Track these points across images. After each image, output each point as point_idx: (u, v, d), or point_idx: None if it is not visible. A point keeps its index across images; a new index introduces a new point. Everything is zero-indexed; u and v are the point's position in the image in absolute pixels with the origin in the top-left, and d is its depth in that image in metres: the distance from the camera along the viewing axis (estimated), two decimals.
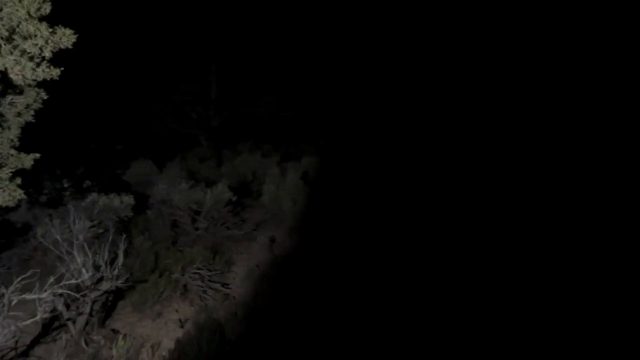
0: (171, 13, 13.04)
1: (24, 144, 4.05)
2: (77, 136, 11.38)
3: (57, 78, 3.13)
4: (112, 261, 4.42)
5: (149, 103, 13.73)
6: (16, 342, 3.38)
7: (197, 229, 7.15)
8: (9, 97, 3.54)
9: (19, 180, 3.41)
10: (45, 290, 3.33)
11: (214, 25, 13.60)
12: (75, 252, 4.08)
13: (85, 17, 11.50)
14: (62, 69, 3.14)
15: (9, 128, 3.41)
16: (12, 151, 3.43)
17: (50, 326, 4.14)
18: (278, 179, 8.78)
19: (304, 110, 14.46)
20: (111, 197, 5.83)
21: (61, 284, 3.68)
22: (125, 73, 13.15)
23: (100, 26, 11.98)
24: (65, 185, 6.18)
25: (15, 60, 2.91)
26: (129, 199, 5.99)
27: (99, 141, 11.30)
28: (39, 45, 2.96)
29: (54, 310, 4.06)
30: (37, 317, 3.27)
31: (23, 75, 2.98)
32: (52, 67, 3.07)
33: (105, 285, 4.13)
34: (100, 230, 5.33)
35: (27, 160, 3.54)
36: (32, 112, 3.62)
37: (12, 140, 3.44)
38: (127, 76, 13.20)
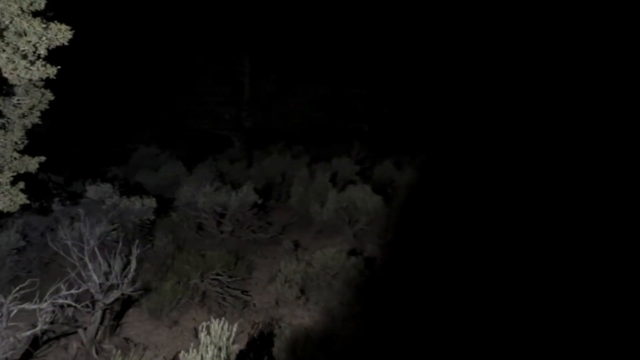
0: (206, 12, 13.08)
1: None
2: (107, 137, 11.59)
3: (54, 77, 2.95)
4: (126, 266, 4.27)
5: (183, 104, 13.88)
6: (11, 353, 3.24)
7: (222, 232, 6.99)
8: (14, 98, 3.43)
9: (22, 185, 3.28)
10: (46, 300, 3.18)
11: (248, 26, 13.54)
12: (86, 258, 3.95)
13: (122, 16, 11.76)
14: (59, 67, 2.96)
15: (12, 130, 3.29)
16: (15, 154, 3.30)
17: (61, 334, 4.02)
18: (307, 180, 8.53)
19: (336, 110, 14.19)
20: (132, 200, 5.72)
21: (69, 292, 3.54)
22: (160, 74, 13.32)
23: (136, 26, 12.18)
24: (87, 186, 6.13)
25: (7, 58, 2.75)
26: (150, 202, 5.87)
27: (130, 142, 11.45)
28: (32, 43, 2.79)
29: (65, 318, 3.95)
30: (37, 329, 3.13)
31: (18, 75, 2.82)
32: (47, 66, 2.89)
33: (116, 293, 3.97)
34: (121, 234, 5.23)
35: (32, 163, 3.41)
36: (37, 114, 3.49)
37: (15, 143, 3.31)
38: (162, 77, 13.36)
